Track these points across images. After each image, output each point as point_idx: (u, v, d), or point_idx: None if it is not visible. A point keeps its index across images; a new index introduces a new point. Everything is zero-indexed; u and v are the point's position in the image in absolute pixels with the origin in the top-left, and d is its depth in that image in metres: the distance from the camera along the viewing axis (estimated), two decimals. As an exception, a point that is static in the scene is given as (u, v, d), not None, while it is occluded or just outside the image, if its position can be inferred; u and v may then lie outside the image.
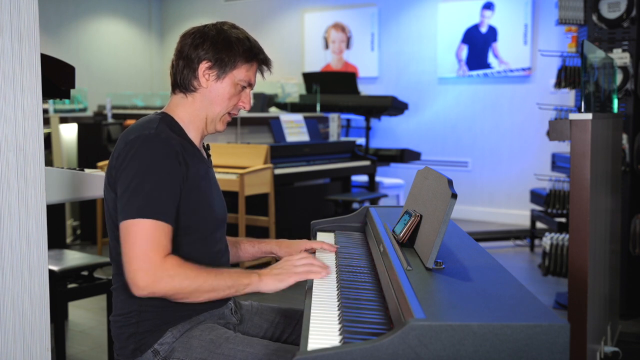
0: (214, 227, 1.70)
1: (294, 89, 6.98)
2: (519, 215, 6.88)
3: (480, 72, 7.20)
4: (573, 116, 2.51)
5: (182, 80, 1.68)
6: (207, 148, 1.82)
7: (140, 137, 1.55)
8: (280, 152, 5.06)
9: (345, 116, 7.34)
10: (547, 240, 4.01)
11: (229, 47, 1.65)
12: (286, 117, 5.51)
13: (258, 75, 1.76)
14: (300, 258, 1.63)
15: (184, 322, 1.63)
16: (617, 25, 3.83)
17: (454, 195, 1.41)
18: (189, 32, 1.70)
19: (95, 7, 9.17)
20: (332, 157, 5.62)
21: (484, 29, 7.17)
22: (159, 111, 1.71)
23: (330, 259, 1.75)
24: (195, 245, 1.64)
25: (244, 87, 1.70)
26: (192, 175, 1.62)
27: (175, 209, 1.56)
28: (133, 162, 1.53)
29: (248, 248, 1.93)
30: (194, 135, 1.70)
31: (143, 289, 1.46)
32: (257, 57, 1.70)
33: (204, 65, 1.65)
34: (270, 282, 1.56)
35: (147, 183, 1.51)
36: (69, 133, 5.86)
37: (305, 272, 1.59)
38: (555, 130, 2.61)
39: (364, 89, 7.64)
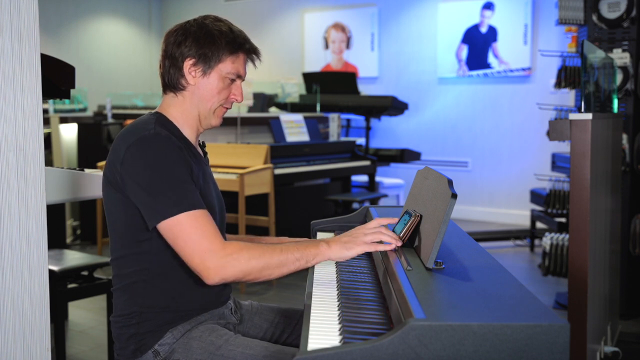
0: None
1: (294, 89, 6.98)
2: (519, 215, 6.88)
3: (480, 72, 7.20)
4: (573, 116, 2.51)
5: (170, 79, 1.67)
6: (202, 146, 1.81)
7: (141, 138, 1.55)
8: (280, 152, 5.06)
9: (345, 116, 7.34)
10: (547, 240, 4.01)
11: (211, 41, 1.63)
12: (286, 117, 5.51)
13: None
14: (371, 228, 1.61)
15: (184, 323, 1.63)
16: (617, 25, 3.83)
17: (454, 195, 1.40)
18: (171, 30, 1.68)
19: (95, 7, 9.17)
20: (332, 157, 5.62)
21: (484, 29, 7.17)
22: (152, 111, 1.70)
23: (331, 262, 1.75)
24: None
25: (233, 80, 1.68)
26: (193, 173, 1.62)
27: (199, 194, 1.56)
28: (143, 165, 1.52)
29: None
30: (189, 133, 1.69)
31: (212, 277, 1.48)
32: (242, 48, 1.67)
33: (188, 63, 1.64)
34: (338, 249, 1.56)
35: (166, 180, 1.51)
36: (69, 133, 5.86)
37: (374, 244, 1.57)
38: (555, 130, 2.61)
39: (364, 89, 7.64)
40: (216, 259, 1.48)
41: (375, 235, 1.58)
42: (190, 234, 1.49)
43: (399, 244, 1.57)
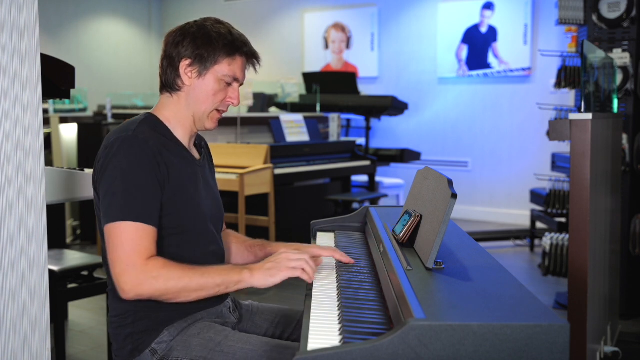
0: (204, 228, 1.68)
1: (294, 89, 6.98)
2: (519, 215, 6.88)
3: (480, 72, 7.20)
4: (573, 116, 2.51)
5: (167, 80, 1.68)
6: (201, 147, 1.81)
7: (118, 139, 1.56)
8: (280, 152, 5.06)
9: (345, 116, 7.34)
10: (547, 240, 4.01)
11: (208, 42, 1.63)
12: (286, 117, 5.51)
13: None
14: (295, 253, 1.56)
15: (180, 321, 1.63)
16: (617, 25, 3.83)
17: (454, 195, 1.40)
18: (172, 31, 1.69)
19: (95, 7, 9.17)
20: (332, 157, 5.62)
21: (484, 29, 7.17)
22: (146, 112, 1.71)
23: (330, 258, 1.75)
24: (184, 245, 1.63)
25: (229, 83, 1.68)
26: (174, 175, 1.60)
27: (157, 210, 1.55)
28: (111, 165, 1.53)
29: (258, 252, 1.87)
30: (181, 134, 1.69)
31: (127, 292, 1.47)
32: (239, 50, 1.66)
33: (184, 63, 1.64)
34: (262, 277, 1.52)
35: (126, 185, 1.51)
36: (69, 133, 5.86)
37: (299, 269, 1.53)
38: (555, 130, 2.60)
39: (364, 89, 7.64)
40: (135, 274, 1.46)
41: (299, 263, 1.53)
42: (122, 243, 1.48)
43: (311, 280, 1.52)
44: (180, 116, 1.68)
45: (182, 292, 1.49)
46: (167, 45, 1.67)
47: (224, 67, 1.65)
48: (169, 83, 1.67)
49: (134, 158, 1.53)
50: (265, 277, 1.53)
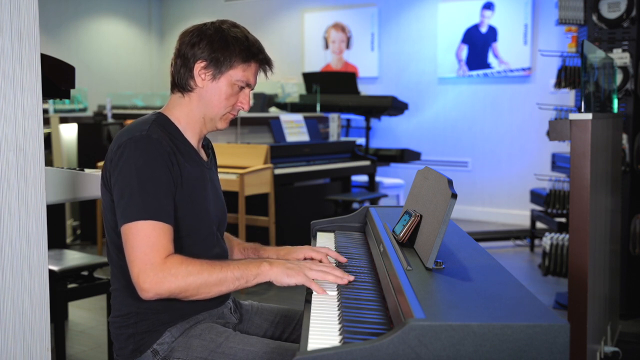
0: (210, 231, 1.68)
1: (294, 89, 6.98)
2: (519, 215, 6.88)
3: (480, 72, 7.20)
4: (573, 116, 2.51)
5: (180, 79, 1.67)
6: (208, 148, 1.81)
7: (131, 139, 1.55)
8: (280, 152, 5.06)
9: (345, 116, 7.34)
10: (547, 240, 4.01)
11: (225, 46, 1.63)
12: (286, 117, 5.51)
13: (259, 75, 1.75)
14: (317, 264, 1.56)
15: (182, 322, 1.63)
16: (617, 25, 3.83)
17: (454, 195, 1.40)
18: (188, 31, 1.68)
19: (95, 7, 9.17)
20: (332, 157, 5.62)
21: (484, 29, 7.17)
22: (156, 111, 1.70)
23: (330, 258, 1.75)
24: (190, 248, 1.62)
25: (242, 88, 1.68)
26: (186, 177, 1.60)
27: (173, 208, 1.55)
28: (126, 166, 1.52)
29: (250, 255, 1.90)
30: (190, 135, 1.69)
31: (148, 291, 1.46)
32: (255, 57, 1.67)
33: (199, 65, 1.64)
34: (279, 273, 1.53)
35: (142, 185, 1.51)
36: (69, 133, 5.86)
37: (313, 282, 1.51)
38: (555, 130, 2.60)
39: (364, 89, 7.64)
40: (154, 272, 1.45)
41: (319, 274, 1.52)
42: (139, 242, 1.47)
43: (344, 282, 1.51)
44: (191, 117, 1.68)
45: (202, 287, 1.49)
46: (182, 44, 1.66)
47: (238, 72, 1.65)
48: (181, 83, 1.67)
49: (148, 157, 1.53)
50: (282, 274, 1.53)
